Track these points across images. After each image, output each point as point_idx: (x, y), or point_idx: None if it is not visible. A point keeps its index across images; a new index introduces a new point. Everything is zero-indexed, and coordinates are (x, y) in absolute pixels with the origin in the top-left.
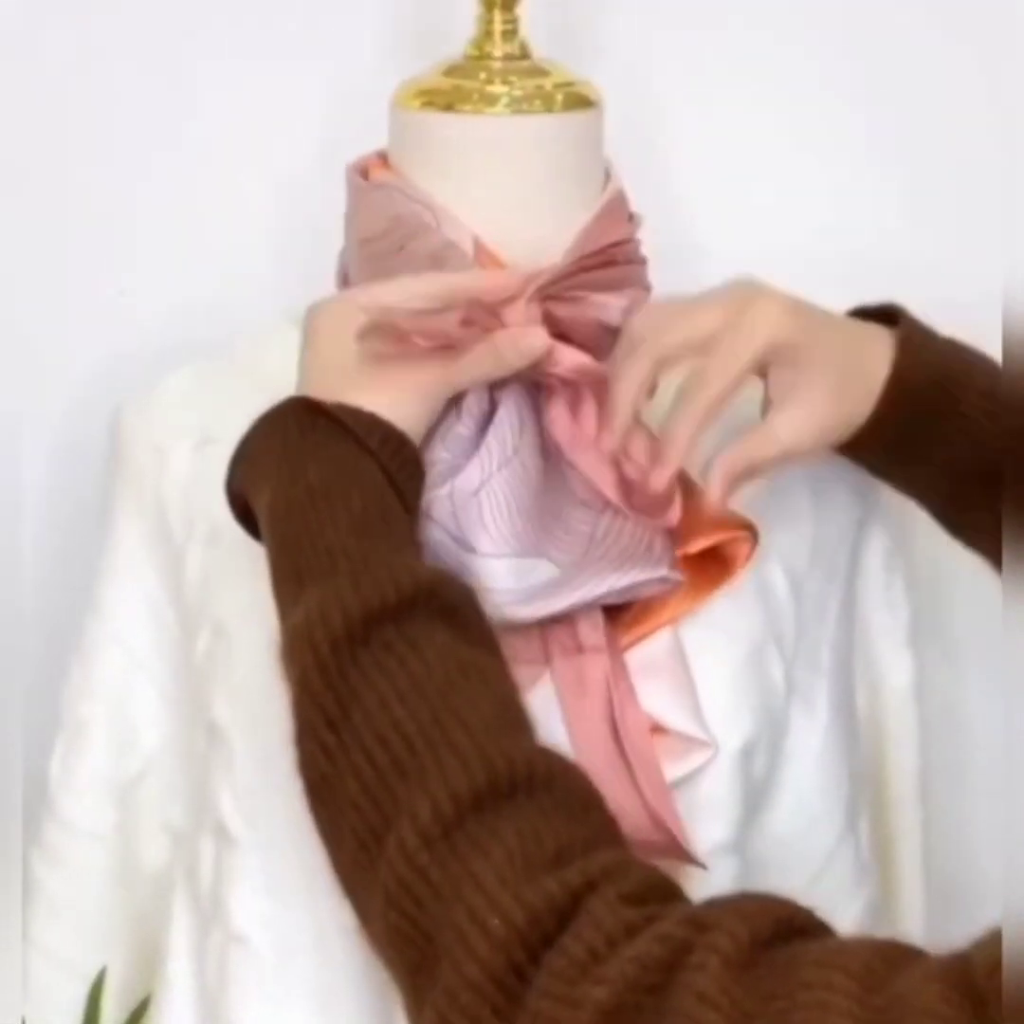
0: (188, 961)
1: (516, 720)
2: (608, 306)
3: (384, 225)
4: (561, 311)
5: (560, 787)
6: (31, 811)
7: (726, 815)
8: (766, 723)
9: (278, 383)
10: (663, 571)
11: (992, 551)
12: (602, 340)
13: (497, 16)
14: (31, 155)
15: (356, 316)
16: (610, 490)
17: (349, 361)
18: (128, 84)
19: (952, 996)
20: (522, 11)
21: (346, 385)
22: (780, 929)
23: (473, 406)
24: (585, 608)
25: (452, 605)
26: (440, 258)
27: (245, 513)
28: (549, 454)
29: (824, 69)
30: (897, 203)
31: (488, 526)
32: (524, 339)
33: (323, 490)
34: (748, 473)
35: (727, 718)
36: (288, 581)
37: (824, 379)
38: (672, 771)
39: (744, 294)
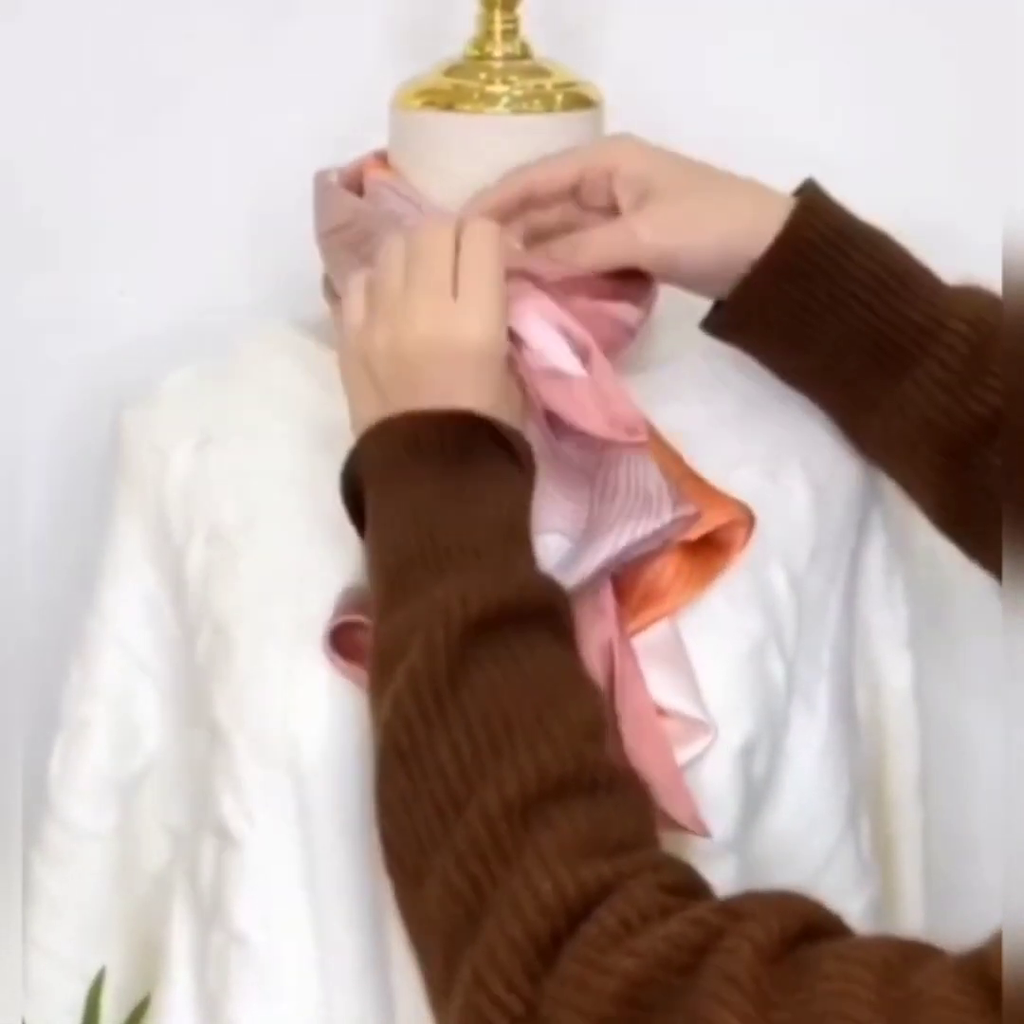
0: (188, 961)
1: (606, 735)
2: (618, 311)
3: (350, 216)
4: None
5: (635, 795)
6: (31, 811)
7: (726, 814)
8: (767, 722)
9: (279, 384)
10: (667, 516)
11: (879, 455)
12: (619, 339)
13: (497, 16)
14: (30, 154)
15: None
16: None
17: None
18: (128, 85)
19: (968, 987)
20: (522, 11)
21: (481, 387)
22: (809, 929)
23: None
24: (599, 579)
25: (566, 629)
26: None
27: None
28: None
29: (827, 70)
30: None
31: None
32: None
33: (478, 496)
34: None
35: (728, 716)
36: (426, 565)
37: (675, 203)
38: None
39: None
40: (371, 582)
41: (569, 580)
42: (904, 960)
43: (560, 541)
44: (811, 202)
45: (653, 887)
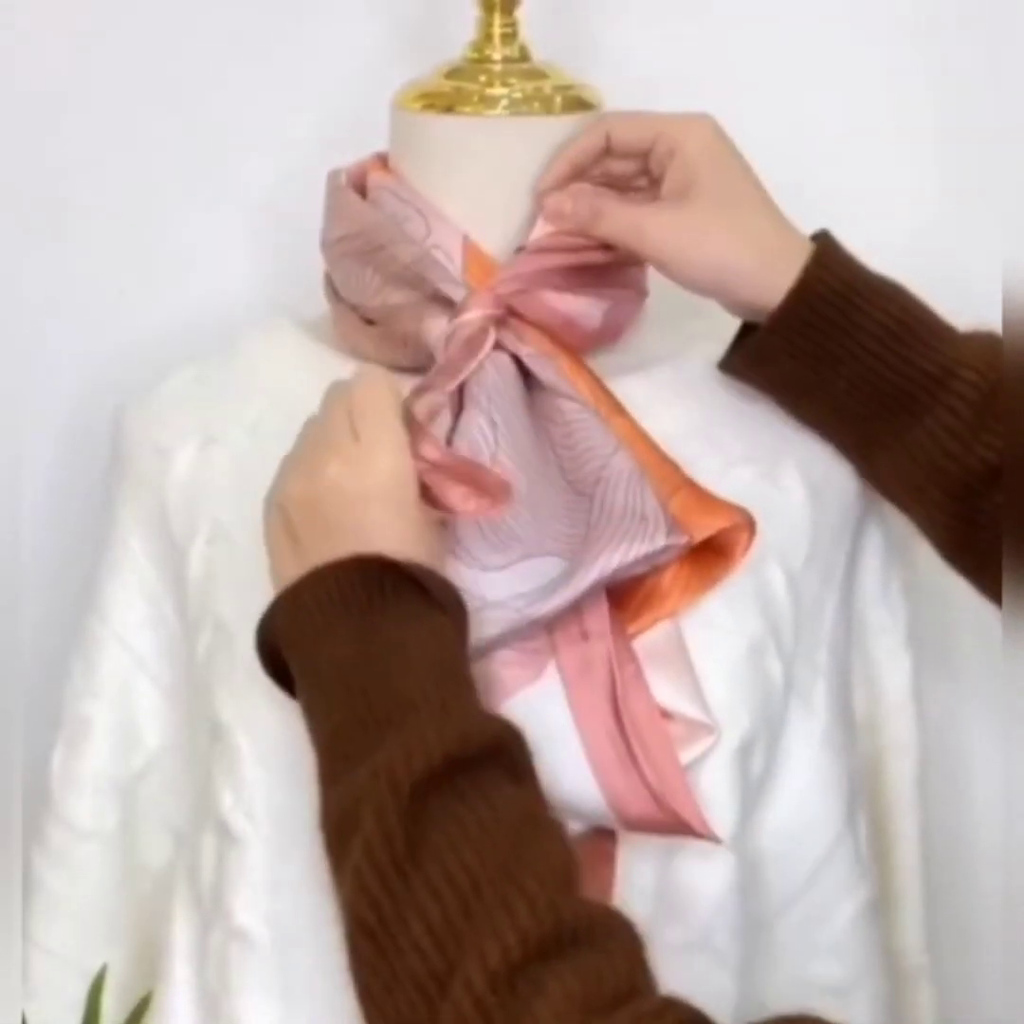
0: (189, 959)
1: (578, 878)
2: (581, 307)
3: (360, 227)
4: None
5: (622, 938)
6: (32, 810)
7: (724, 812)
8: (764, 721)
9: (280, 383)
10: (660, 541)
11: (890, 493)
12: (578, 341)
13: (497, 19)
14: (31, 154)
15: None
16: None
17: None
18: (128, 85)
19: None
20: (522, 14)
21: (394, 525)
22: None
23: (441, 423)
24: (593, 595)
25: (520, 764)
26: (418, 264)
27: (272, 656)
28: (535, 445)
29: (825, 68)
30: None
31: (488, 537)
32: None
33: (401, 642)
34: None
35: (726, 716)
36: (364, 728)
37: (700, 213)
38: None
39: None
40: (313, 746)
41: (560, 598)
42: None
43: (556, 563)
44: (822, 255)
45: None
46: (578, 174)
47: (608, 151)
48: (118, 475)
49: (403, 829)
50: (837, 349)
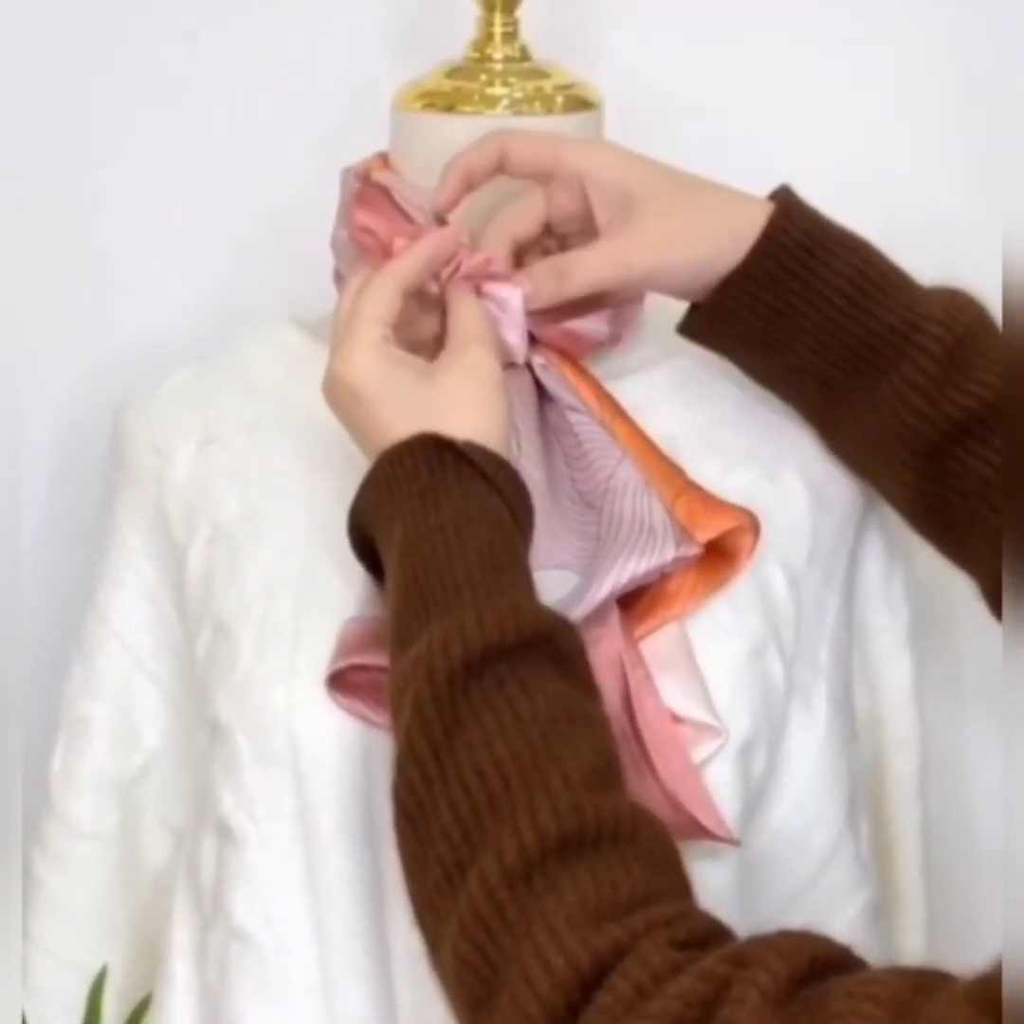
0: (189, 959)
1: (612, 775)
2: (586, 324)
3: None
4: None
5: (644, 842)
6: (32, 810)
7: (726, 812)
8: (765, 721)
9: (279, 383)
10: (670, 554)
11: (854, 456)
12: (577, 348)
13: (497, 18)
14: (31, 154)
15: (377, 350)
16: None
17: (411, 388)
18: (129, 85)
19: (980, 1019)
20: (522, 13)
21: (431, 413)
22: (816, 966)
23: None
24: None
25: (566, 653)
26: None
27: (365, 545)
28: (547, 456)
29: (825, 68)
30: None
31: None
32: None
33: (454, 525)
34: (553, 298)
35: (727, 716)
36: (414, 611)
37: (660, 218)
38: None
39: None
40: None
41: (575, 612)
42: (914, 992)
43: (568, 576)
44: (786, 208)
45: (665, 945)
46: (471, 188)
47: (502, 169)
48: (118, 475)
49: (440, 718)
50: (800, 302)
